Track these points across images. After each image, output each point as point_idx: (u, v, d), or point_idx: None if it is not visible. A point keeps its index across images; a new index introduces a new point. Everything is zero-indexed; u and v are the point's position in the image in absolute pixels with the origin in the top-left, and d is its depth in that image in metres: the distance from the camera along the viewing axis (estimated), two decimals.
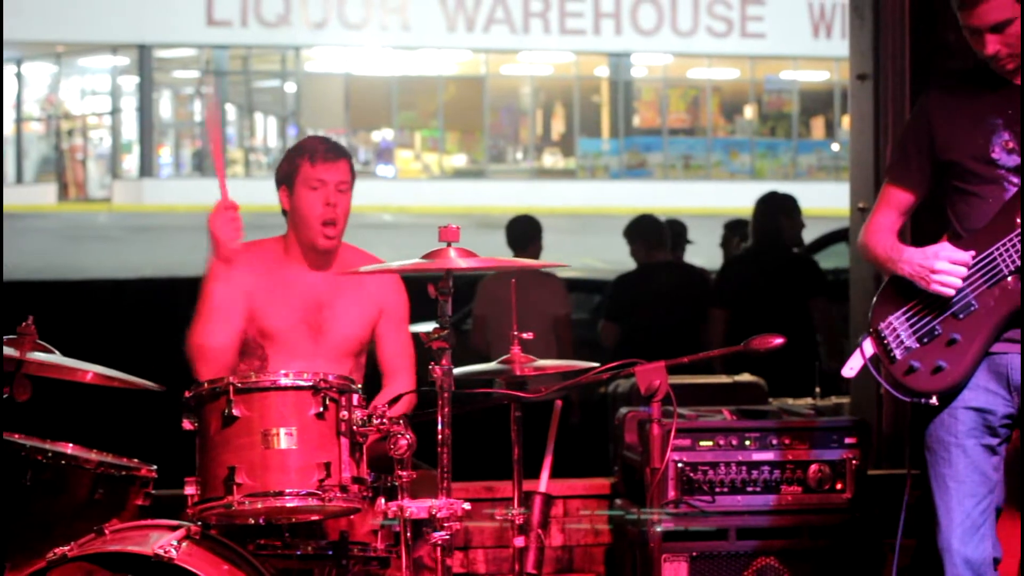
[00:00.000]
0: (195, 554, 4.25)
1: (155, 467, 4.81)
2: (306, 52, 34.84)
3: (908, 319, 4.58)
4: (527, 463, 4.85)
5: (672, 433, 4.52)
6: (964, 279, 4.51)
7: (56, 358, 4.74)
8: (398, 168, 35.77)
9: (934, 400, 4.54)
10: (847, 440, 5.83)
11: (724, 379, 7.16)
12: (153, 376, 4.89)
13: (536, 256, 9.44)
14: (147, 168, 34.77)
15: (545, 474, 4.95)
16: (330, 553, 4.48)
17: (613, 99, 36.11)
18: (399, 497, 4.24)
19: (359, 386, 4.39)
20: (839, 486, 5.81)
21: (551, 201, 32.91)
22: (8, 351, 4.62)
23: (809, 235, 13.40)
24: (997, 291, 4.52)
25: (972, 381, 4.55)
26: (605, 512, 6.37)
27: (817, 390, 7.30)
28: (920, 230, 5.24)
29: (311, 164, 4.99)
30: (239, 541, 4.39)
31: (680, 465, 5.75)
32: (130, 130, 35.50)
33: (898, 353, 4.57)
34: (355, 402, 4.33)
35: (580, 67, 35.85)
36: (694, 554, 5.78)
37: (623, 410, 6.29)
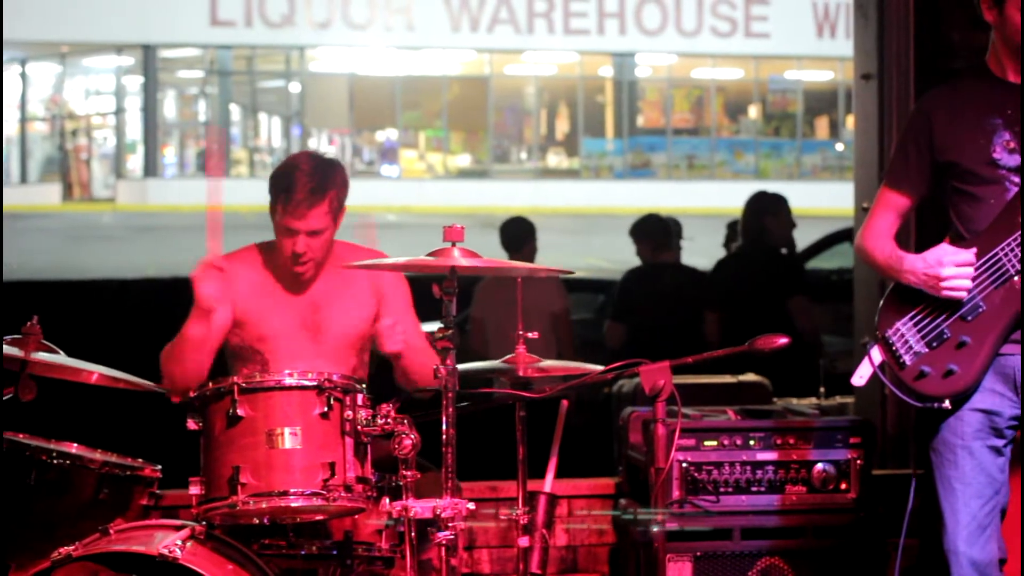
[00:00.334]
0: (200, 554, 4.25)
1: (159, 467, 4.81)
2: (310, 52, 34.85)
3: (916, 324, 4.57)
4: (532, 463, 4.85)
5: (676, 433, 4.51)
6: (972, 280, 4.51)
7: (61, 359, 4.74)
8: (402, 168, 35.78)
9: (946, 404, 4.52)
10: (851, 440, 5.82)
11: (728, 379, 7.15)
12: (157, 376, 4.90)
13: (531, 257, 9.44)
14: (151, 168, 34.79)
15: (550, 474, 4.95)
16: (334, 553, 4.48)
17: (617, 99, 36.11)
18: (404, 497, 4.24)
19: (364, 385, 4.39)
20: (843, 486, 5.80)
21: (555, 201, 32.93)
22: (13, 351, 4.62)
23: (813, 235, 13.46)
24: (1004, 291, 4.51)
25: None
26: (609, 512, 6.37)
27: (821, 390, 7.30)
28: (924, 231, 5.23)
29: (284, 208, 4.86)
30: (244, 541, 4.39)
31: (684, 465, 5.75)
32: (134, 130, 35.51)
33: (907, 359, 4.56)
34: (359, 402, 4.33)
35: (584, 67, 35.85)
36: (698, 554, 5.78)
37: (627, 410, 6.29)
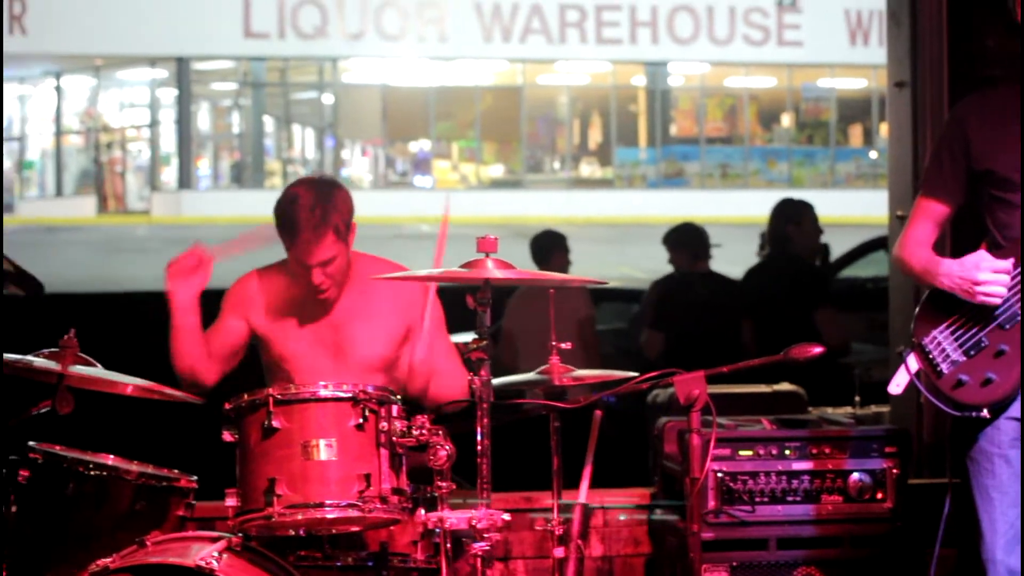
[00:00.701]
0: (236, 565, 4.26)
1: (196, 478, 4.83)
2: (343, 63, 34.93)
3: (952, 332, 4.55)
4: (566, 473, 4.85)
5: (712, 443, 4.51)
6: (1007, 288, 4.49)
7: (97, 371, 4.76)
8: (435, 179, 35.83)
9: (985, 413, 4.50)
10: (887, 449, 5.80)
11: (763, 389, 7.13)
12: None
13: (560, 269, 9.40)
14: (185, 180, 34.92)
15: (585, 484, 4.94)
16: (370, 564, 4.48)
17: (650, 108, 36.08)
18: (439, 508, 4.25)
19: (399, 397, 4.39)
20: (880, 495, 5.78)
21: (588, 211, 32.92)
22: (50, 364, 4.64)
23: (848, 243, 13.42)
24: None
25: None
26: (644, 520, 6.36)
27: (857, 399, 7.27)
28: (960, 241, 5.20)
29: (292, 243, 4.83)
30: (280, 552, 4.40)
31: (720, 475, 5.74)
32: (168, 142, 35.65)
33: (944, 367, 4.54)
34: (395, 413, 4.33)
35: (617, 76, 35.83)
36: (734, 564, 5.76)
37: (662, 420, 6.28)
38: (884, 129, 29.67)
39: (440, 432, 4.26)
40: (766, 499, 5.76)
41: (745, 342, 8.92)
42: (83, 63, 35.13)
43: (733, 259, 11.47)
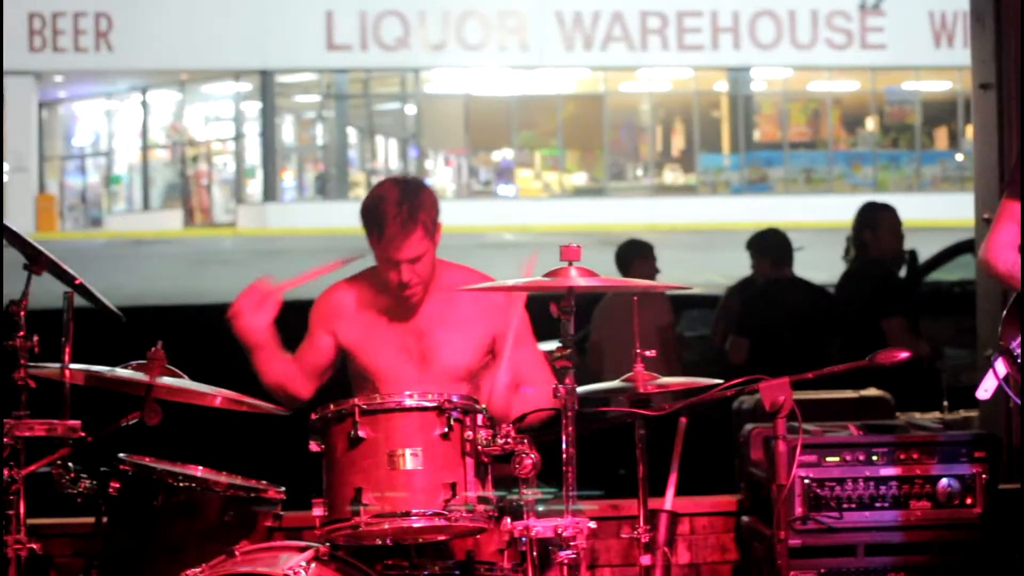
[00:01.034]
0: (324, 575, 4.29)
1: (283, 489, 4.86)
2: (425, 74, 35.07)
3: None
4: (652, 481, 4.84)
5: (798, 449, 4.49)
6: None
7: (185, 383, 4.80)
8: (519, 187, 35.88)
9: None
10: (976, 454, 5.75)
11: (850, 394, 7.08)
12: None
13: (646, 275, 9.35)
14: (270, 192, 35.17)
15: (670, 491, 4.93)
16: (457, 573, 4.48)
17: (733, 114, 35.97)
18: (525, 516, 4.25)
19: (483, 406, 4.40)
20: (969, 501, 5.74)
21: (672, 218, 32.86)
22: (138, 376, 4.69)
23: (934, 247, 13.31)
24: None
25: None
26: (731, 527, 6.34)
27: (945, 403, 7.20)
28: None
29: (380, 242, 4.83)
30: (367, 562, 4.42)
31: (807, 481, 5.71)
32: (253, 155, 35.92)
33: None
34: (479, 422, 4.34)
35: (699, 82, 35.74)
36: (822, 571, 5.73)
37: (748, 427, 6.26)
38: (969, 131, 29.42)
39: (525, 441, 4.27)
40: (853, 505, 5.73)
41: (831, 349, 8.86)
42: (168, 78, 35.49)
43: (818, 265, 11.41)
